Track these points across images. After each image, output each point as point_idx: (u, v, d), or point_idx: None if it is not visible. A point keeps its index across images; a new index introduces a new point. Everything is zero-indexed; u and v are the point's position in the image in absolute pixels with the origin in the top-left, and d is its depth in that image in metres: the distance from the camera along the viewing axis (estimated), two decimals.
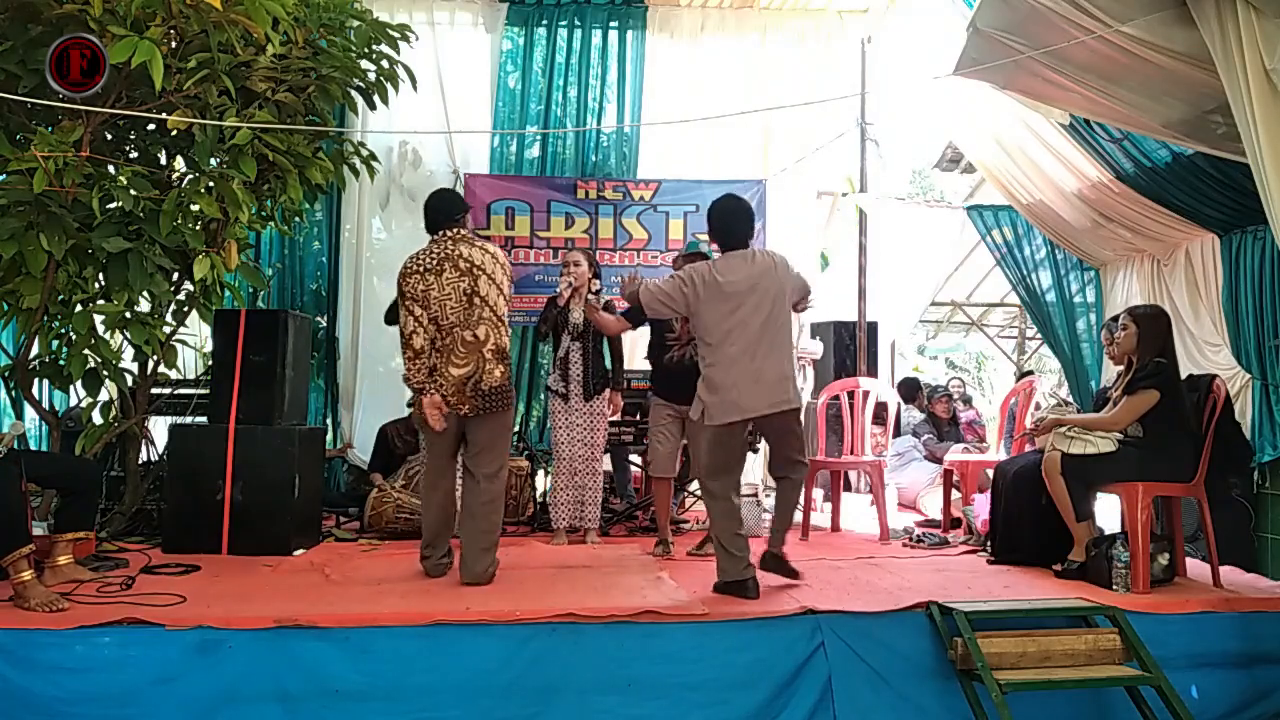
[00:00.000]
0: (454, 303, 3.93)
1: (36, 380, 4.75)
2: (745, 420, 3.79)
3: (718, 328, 3.78)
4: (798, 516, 5.19)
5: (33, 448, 5.73)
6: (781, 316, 3.84)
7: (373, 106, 5.23)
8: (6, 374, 4.70)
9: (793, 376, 3.87)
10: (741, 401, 3.74)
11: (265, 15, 4.13)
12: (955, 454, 5.98)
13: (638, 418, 6.06)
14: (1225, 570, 4.09)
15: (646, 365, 6.41)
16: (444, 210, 4.10)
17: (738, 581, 3.68)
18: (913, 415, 7.60)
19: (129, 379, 4.78)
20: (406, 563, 4.22)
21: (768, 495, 5.84)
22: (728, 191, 4.26)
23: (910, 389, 7.97)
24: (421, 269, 3.96)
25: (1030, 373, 7.69)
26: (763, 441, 4.49)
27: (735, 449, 3.89)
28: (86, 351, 4.33)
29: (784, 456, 3.95)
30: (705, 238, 7.29)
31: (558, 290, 5.04)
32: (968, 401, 8.11)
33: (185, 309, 5.03)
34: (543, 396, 7.37)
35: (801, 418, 5.09)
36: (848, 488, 6.55)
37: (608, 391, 5.14)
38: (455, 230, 4.05)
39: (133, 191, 4.15)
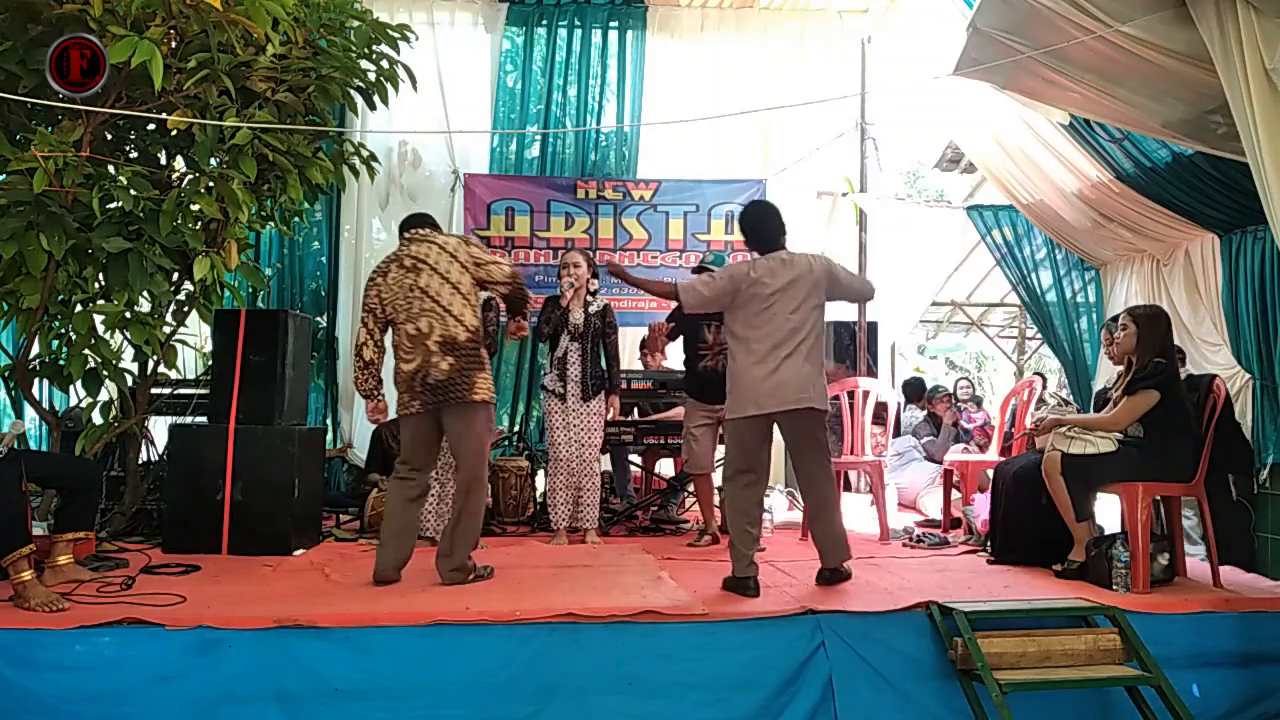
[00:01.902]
0: (400, 300, 3.93)
1: (36, 380, 4.75)
2: (765, 417, 3.81)
3: (748, 325, 3.84)
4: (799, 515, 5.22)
5: (33, 448, 5.73)
6: (812, 319, 3.87)
7: (373, 106, 5.23)
8: (6, 374, 4.69)
9: (818, 378, 3.87)
10: (759, 399, 3.77)
11: (265, 15, 4.12)
12: (955, 454, 5.98)
13: (636, 416, 6.07)
14: (1225, 570, 4.09)
15: (642, 365, 6.46)
16: (413, 220, 4.18)
17: (739, 579, 3.71)
18: (914, 415, 7.59)
19: (129, 379, 4.78)
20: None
21: (767, 496, 5.84)
22: (757, 199, 4.30)
23: (916, 389, 7.97)
24: (375, 275, 4.03)
25: (1040, 374, 7.58)
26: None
27: (754, 446, 3.89)
28: (86, 351, 4.33)
29: (802, 462, 3.95)
30: (705, 239, 7.34)
31: (559, 290, 5.05)
32: (978, 404, 8.10)
33: (185, 309, 5.03)
34: (541, 396, 7.37)
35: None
36: (848, 488, 6.55)
37: (603, 394, 5.14)
38: (415, 232, 4.07)
39: (133, 191, 4.15)
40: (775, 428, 3.94)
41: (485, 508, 4.15)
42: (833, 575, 3.91)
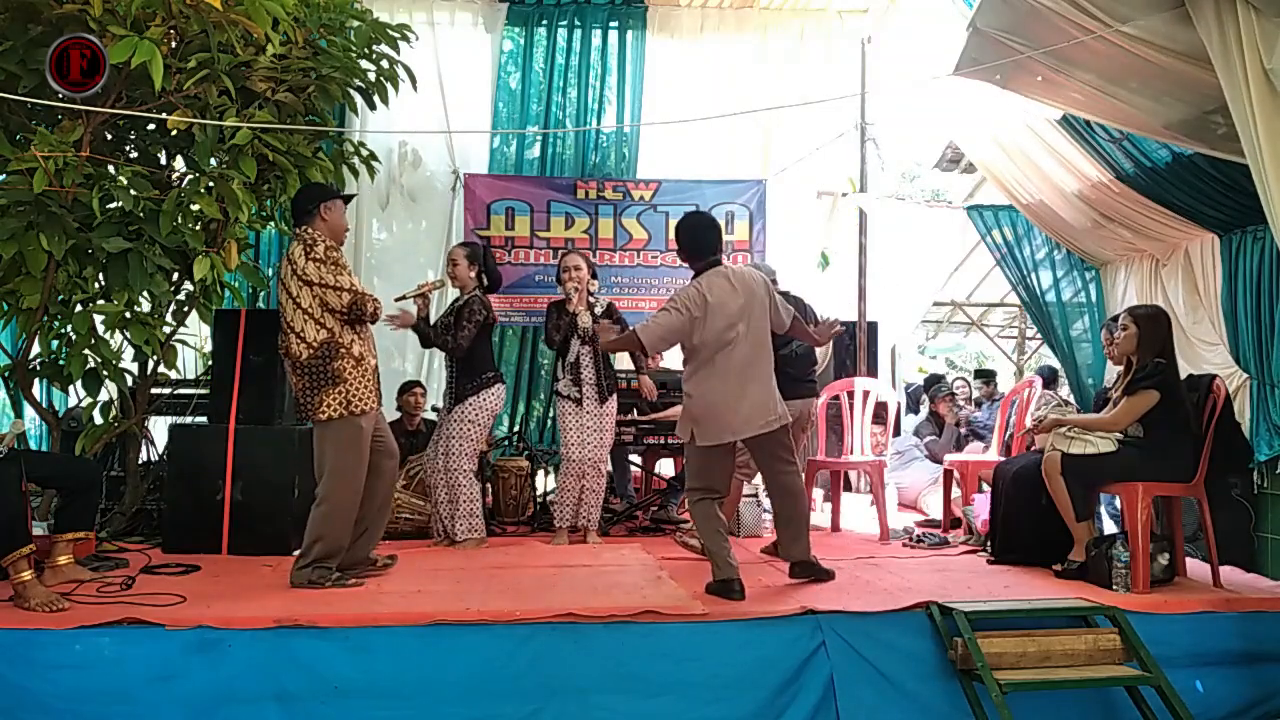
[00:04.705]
0: None
1: (36, 380, 4.75)
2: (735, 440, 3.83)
3: (707, 348, 3.80)
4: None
5: (33, 448, 5.73)
6: (764, 335, 3.88)
7: (372, 106, 5.23)
8: (6, 374, 4.69)
9: (776, 393, 3.89)
10: (733, 423, 3.77)
11: (265, 15, 4.12)
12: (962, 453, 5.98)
13: (634, 415, 6.07)
14: (1225, 570, 4.09)
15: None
16: (294, 206, 4.05)
17: (723, 581, 3.69)
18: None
19: (129, 379, 4.78)
20: (407, 562, 4.22)
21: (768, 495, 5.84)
22: (693, 209, 4.26)
23: (928, 384, 7.98)
24: None
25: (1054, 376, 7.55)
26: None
27: (725, 467, 3.93)
28: (86, 351, 4.33)
29: (774, 474, 3.98)
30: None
31: (565, 295, 5.03)
32: (978, 404, 8.10)
33: (185, 309, 5.03)
34: (543, 396, 7.38)
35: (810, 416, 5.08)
36: (848, 488, 6.54)
37: (616, 393, 5.17)
38: (299, 228, 3.96)
39: (133, 191, 4.15)
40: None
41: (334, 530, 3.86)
42: (803, 569, 3.92)
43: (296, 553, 4.45)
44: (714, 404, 3.77)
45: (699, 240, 3.96)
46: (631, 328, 4.01)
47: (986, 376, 8.39)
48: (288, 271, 3.86)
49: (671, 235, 7.21)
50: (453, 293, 5.28)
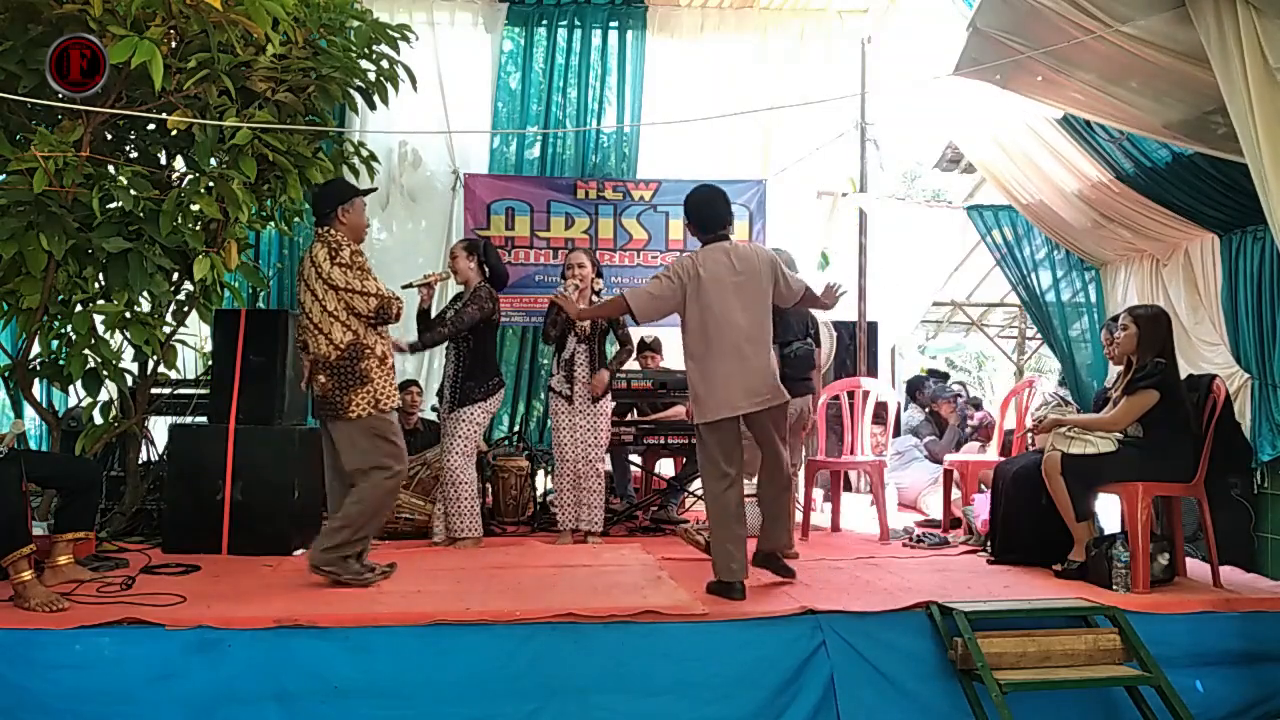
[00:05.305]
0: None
1: (36, 380, 4.75)
2: (736, 417, 3.78)
3: (705, 322, 3.76)
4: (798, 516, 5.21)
5: (33, 448, 5.73)
6: (764, 311, 3.84)
7: (373, 106, 5.22)
8: (6, 374, 4.69)
9: (775, 370, 3.87)
10: (732, 397, 3.74)
11: (265, 15, 4.12)
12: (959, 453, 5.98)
13: (635, 416, 6.07)
14: (1225, 570, 4.09)
15: (637, 366, 6.45)
16: (314, 206, 4.04)
17: (725, 583, 3.66)
18: (914, 415, 7.58)
19: (129, 379, 4.78)
20: (407, 562, 4.22)
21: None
22: (703, 183, 4.18)
23: (912, 386, 7.96)
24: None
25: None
26: None
27: (731, 446, 3.83)
28: (86, 351, 4.32)
29: (769, 461, 3.92)
30: None
31: (563, 292, 5.02)
32: (977, 405, 8.10)
33: (185, 309, 5.03)
34: (543, 396, 7.38)
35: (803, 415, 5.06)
36: (848, 488, 6.55)
37: (610, 395, 5.13)
38: (321, 229, 3.95)
39: (133, 191, 4.15)
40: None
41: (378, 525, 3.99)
42: (767, 560, 3.89)
43: (299, 551, 4.47)
44: (713, 378, 3.75)
45: (704, 214, 3.95)
46: (621, 292, 4.00)
47: (937, 378, 7.90)
48: (312, 274, 3.86)
49: (671, 235, 7.38)
50: (454, 289, 5.29)
